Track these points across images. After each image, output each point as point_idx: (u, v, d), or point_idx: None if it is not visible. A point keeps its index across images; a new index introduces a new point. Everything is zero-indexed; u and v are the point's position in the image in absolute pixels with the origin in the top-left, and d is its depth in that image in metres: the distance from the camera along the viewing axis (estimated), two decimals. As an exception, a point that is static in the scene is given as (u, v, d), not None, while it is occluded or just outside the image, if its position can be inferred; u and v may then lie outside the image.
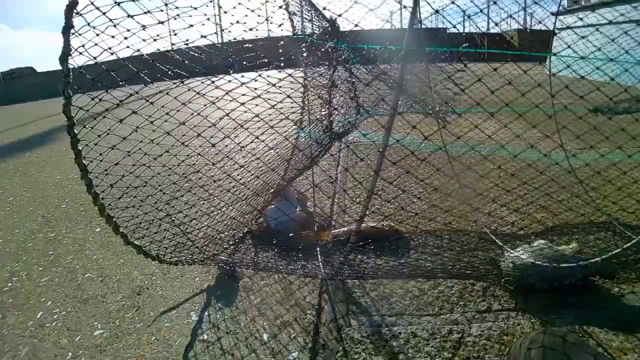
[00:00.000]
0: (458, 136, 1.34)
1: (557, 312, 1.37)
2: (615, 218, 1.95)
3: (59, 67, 0.94)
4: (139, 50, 1.07)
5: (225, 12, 1.43)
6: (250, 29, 1.32)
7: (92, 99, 1.02)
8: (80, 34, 0.93)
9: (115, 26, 1.00)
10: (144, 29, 1.05)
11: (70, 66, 0.96)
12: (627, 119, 1.91)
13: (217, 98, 1.21)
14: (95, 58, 0.96)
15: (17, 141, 5.96)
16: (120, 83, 1.05)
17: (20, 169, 4.17)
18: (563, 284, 1.42)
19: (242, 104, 1.19)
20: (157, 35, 1.12)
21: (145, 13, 1.05)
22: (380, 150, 1.02)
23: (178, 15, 1.17)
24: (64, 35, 0.90)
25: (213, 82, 1.17)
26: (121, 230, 1.21)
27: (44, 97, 13.15)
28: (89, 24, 0.93)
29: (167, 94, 1.14)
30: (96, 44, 0.97)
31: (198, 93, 1.15)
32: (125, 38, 1.04)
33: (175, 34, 1.17)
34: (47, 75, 15.02)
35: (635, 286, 1.45)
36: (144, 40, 1.07)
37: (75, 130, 1.00)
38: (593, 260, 1.41)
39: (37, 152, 4.95)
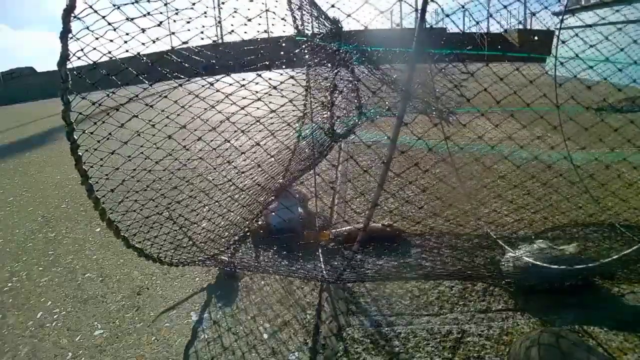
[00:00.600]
0: (461, 147, 1.34)
1: (557, 312, 1.37)
2: (617, 219, 1.94)
3: (58, 68, 0.93)
4: (139, 53, 1.07)
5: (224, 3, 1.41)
6: (250, 19, 1.28)
7: (93, 103, 1.02)
8: (78, 39, 0.92)
9: (115, 30, 0.99)
10: (143, 32, 1.05)
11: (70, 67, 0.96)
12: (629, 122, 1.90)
13: (217, 101, 1.21)
14: (94, 62, 0.95)
15: (17, 141, 5.96)
16: (120, 87, 1.05)
17: (20, 169, 4.17)
18: (564, 284, 1.42)
19: (242, 107, 1.18)
20: (157, 39, 1.11)
21: (144, 16, 1.05)
22: (385, 161, 1.01)
23: (177, 9, 1.16)
24: (62, 39, 0.89)
25: (212, 84, 1.17)
26: (122, 234, 1.21)
27: (44, 97, 13.11)
28: (87, 28, 0.92)
29: (166, 97, 1.14)
30: (94, 49, 0.96)
31: (197, 96, 1.14)
32: (125, 42, 1.04)
33: (173, 33, 1.16)
34: (47, 76, 14.98)
35: (635, 286, 1.46)
36: (143, 43, 1.06)
37: (74, 136, 0.99)
38: (595, 264, 1.40)
39: (37, 152, 4.95)
